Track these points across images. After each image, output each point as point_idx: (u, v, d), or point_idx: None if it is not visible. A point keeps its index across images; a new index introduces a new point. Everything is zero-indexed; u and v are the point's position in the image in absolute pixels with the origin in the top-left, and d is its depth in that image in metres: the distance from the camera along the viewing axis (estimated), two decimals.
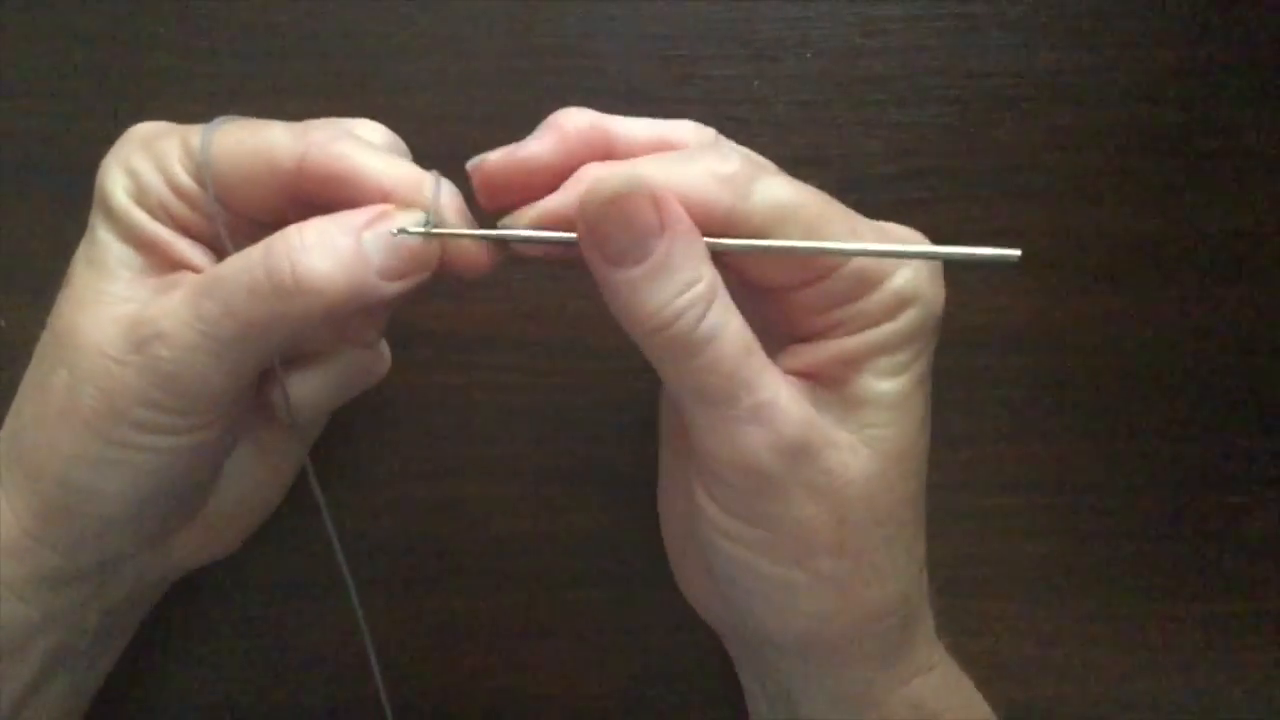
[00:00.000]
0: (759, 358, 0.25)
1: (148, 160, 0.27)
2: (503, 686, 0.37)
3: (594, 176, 0.25)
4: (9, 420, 0.28)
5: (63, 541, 0.28)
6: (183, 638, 0.36)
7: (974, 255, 0.23)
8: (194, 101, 0.36)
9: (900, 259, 0.25)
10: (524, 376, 0.37)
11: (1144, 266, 0.37)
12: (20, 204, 0.36)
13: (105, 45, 0.36)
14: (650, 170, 0.24)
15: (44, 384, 0.27)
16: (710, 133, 0.27)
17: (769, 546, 0.26)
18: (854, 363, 0.26)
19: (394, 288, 0.26)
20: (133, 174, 0.27)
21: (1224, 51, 0.37)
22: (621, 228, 0.24)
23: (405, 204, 0.26)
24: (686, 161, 0.24)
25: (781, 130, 0.36)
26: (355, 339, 0.30)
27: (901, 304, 0.25)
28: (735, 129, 0.34)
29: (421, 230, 0.25)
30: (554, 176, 0.26)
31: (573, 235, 0.24)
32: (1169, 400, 0.38)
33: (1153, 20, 0.37)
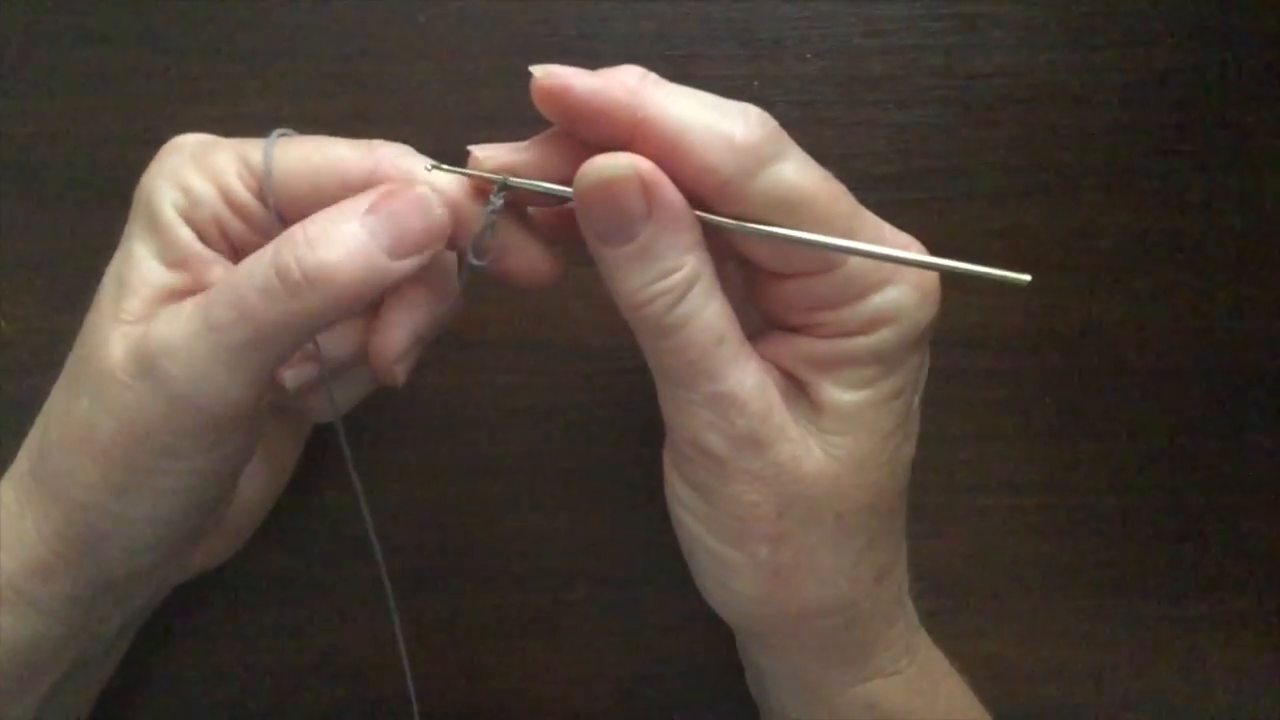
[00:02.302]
0: (729, 348, 0.25)
1: (201, 174, 0.26)
2: (502, 686, 0.37)
3: (591, 159, 0.24)
4: (35, 438, 0.28)
5: (90, 561, 0.28)
6: (184, 638, 0.36)
7: (980, 273, 0.23)
8: (195, 102, 0.36)
9: (898, 264, 0.25)
10: (524, 376, 0.37)
11: (1144, 266, 0.37)
12: (20, 204, 0.36)
13: (106, 45, 0.36)
14: (670, 107, 0.24)
15: (68, 409, 0.26)
16: (770, 121, 0.25)
17: (716, 524, 0.27)
18: (820, 367, 0.26)
19: (406, 265, 0.25)
20: (184, 188, 0.26)
21: (1224, 51, 0.37)
22: (609, 210, 0.24)
23: (467, 219, 0.26)
24: (711, 112, 0.24)
25: None
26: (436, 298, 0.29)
27: (878, 322, 0.25)
28: None
29: (499, 185, 0.26)
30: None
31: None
32: (1169, 400, 0.38)
33: (1153, 20, 0.37)
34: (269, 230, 0.26)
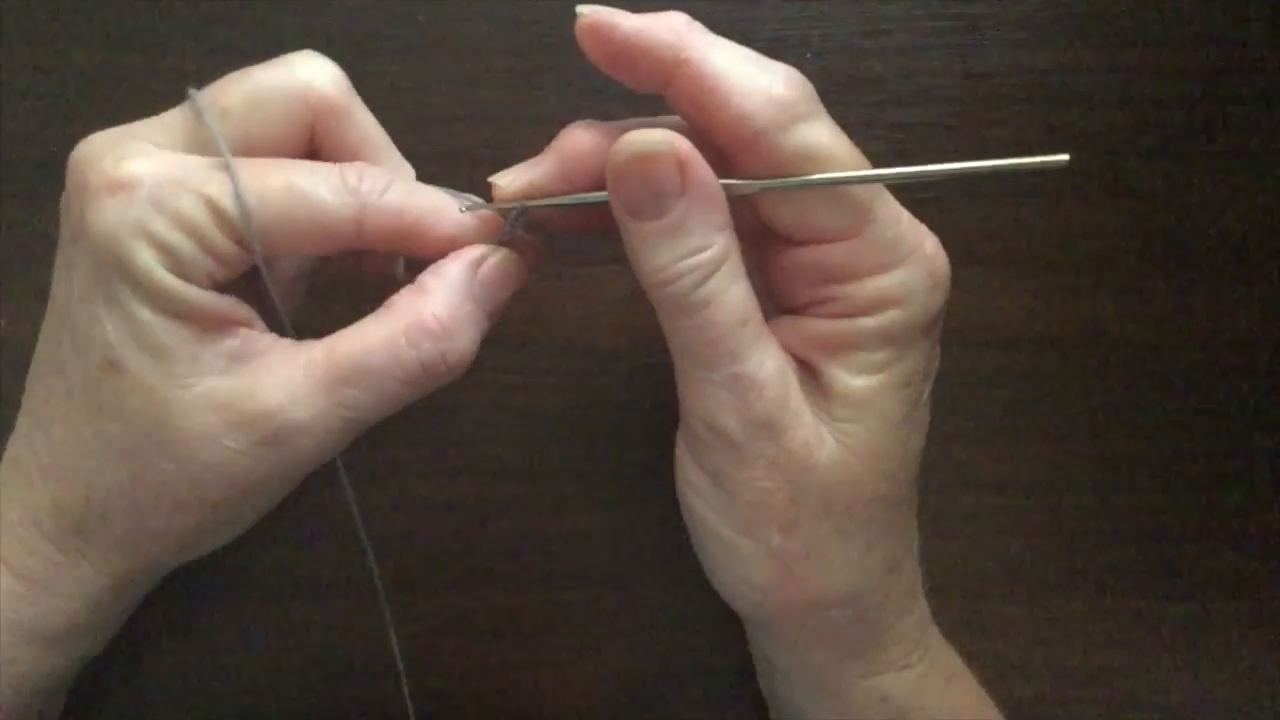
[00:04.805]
0: (752, 328, 0.25)
1: (175, 228, 0.24)
2: (502, 686, 0.37)
3: (628, 133, 0.25)
4: (77, 504, 0.27)
5: (150, 582, 0.31)
6: (183, 638, 0.36)
7: (1019, 164, 0.23)
8: None
9: (931, 178, 0.25)
10: (524, 376, 0.37)
11: (1144, 266, 0.38)
12: (21, 204, 0.36)
13: (105, 45, 0.36)
14: (713, 53, 0.24)
15: (142, 478, 0.26)
16: (807, 84, 0.26)
17: (728, 510, 0.27)
18: (828, 351, 0.26)
19: (494, 321, 0.28)
20: (162, 246, 0.24)
21: (1224, 51, 0.37)
22: (642, 185, 0.24)
23: (474, 239, 0.27)
24: (752, 65, 0.25)
25: None
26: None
27: (884, 303, 0.25)
28: None
29: (516, 214, 0.27)
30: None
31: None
32: (1168, 400, 0.38)
33: (1153, 20, 0.37)
34: (247, 265, 0.26)
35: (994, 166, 0.24)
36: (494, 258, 0.27)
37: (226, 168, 0.25)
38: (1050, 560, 0.38)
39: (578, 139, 0.26)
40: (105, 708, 0.33)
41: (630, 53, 0.25)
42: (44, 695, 0.30)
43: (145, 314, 0.25)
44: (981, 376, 0.37)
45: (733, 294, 0.25)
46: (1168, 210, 0.37)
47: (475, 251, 0.27)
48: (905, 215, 0.26)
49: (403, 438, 0.37)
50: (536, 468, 0.37)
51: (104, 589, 0.28)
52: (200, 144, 0.26)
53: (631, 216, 0.25)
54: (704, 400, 0.26)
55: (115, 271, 0.24)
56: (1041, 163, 0.23)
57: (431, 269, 0.27)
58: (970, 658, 0.32)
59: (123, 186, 0.24)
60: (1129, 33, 0.37)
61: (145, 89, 0.36)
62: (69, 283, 0.26)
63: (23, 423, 0.28)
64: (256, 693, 0.36)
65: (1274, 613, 0.38)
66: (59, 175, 0.36)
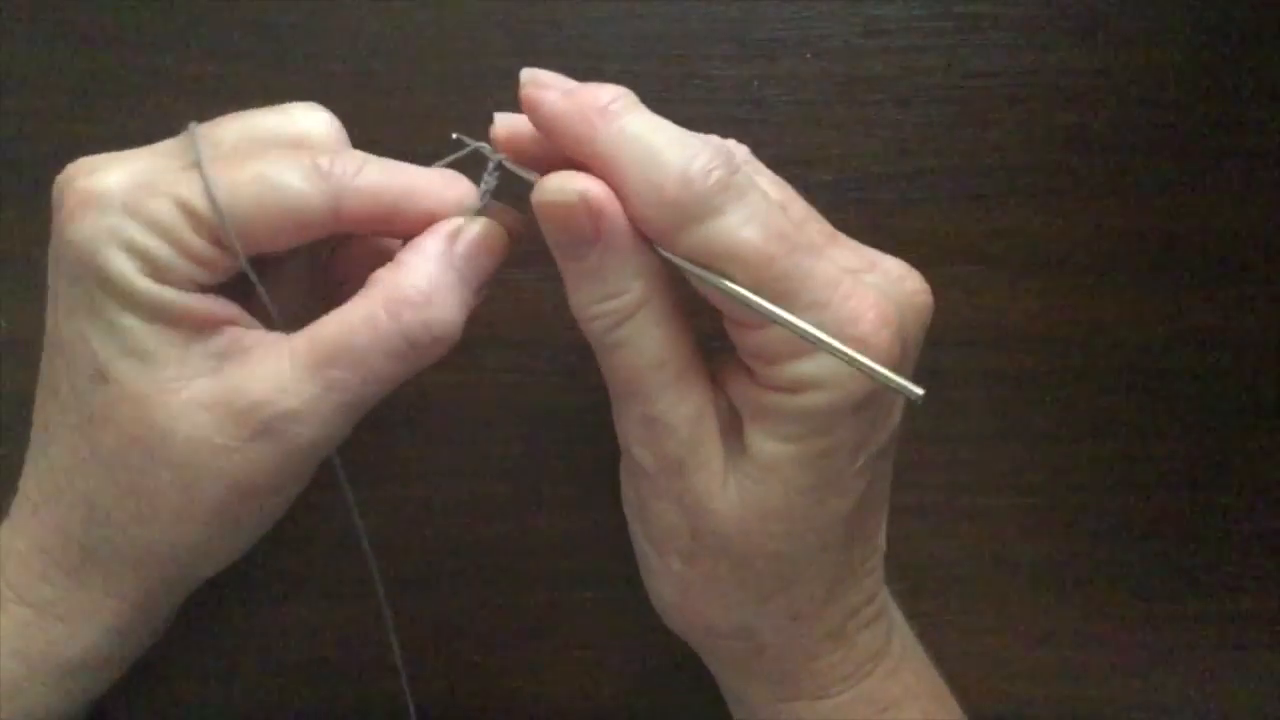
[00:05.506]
0: (669, 372, 0.26)
1: (150, 233, 0.24)
2: (502, 687, 0.37)
3: (549, 176, 0.25)
4: (76, 525, 0.27)
5: (169, 605, 0.30)
6: (184, 638, 0.36)
7: (885, 378, 0.22)
8: (194, 102, 0.36)
9: (812, 343, 0.23)
10: (523, 376, 0.37)
11: (1144, 266, 0.37)
12: (20, 204, 0.36)
13: (105, 45, 0.36)
14: (619, 147, 0.24)
15: (138, 488, 0.26)
16: (721, 169, 0.24)
17: (646, 527, 0.29)
18: (752, 411, 0.26)
19: (482, 296, 0.27)
20: (138, 251, 0.24)
21: (1224, 51, 0.37)
22: (559, 229, 0.25)
23: (454, 213, 0.27)
24: (656, 161, 0.24)
25: (781, 130, 0.36)
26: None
27: (803, 385, 0.25)
28: (735, 129, 0.34)
29: (495, 164, 0.27)
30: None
31: None
32: (1168, 400, 0.38)
33: (1153, 20, 0.37)
34: (229, 265, 0.25)
35: (862, 366, 0.23)
36: (472, 227, 0.26)
37: (197, 167, 0.25)
38: (1050, 560, 0.38)
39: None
40: (104, 707, 0.33)
41: (552, 133, 0.25)
42: None
43: (128, 321, 0.24)
44: (981, 376, 0.37)
45: (648, 339, 0.25)
46: (1167, 210, 0.37)
47: (452, 224, 0.26)
48: (840, 291, 0.24)
49: (402, 438, 0.37)
50: (536, 468, 0.37)
51: (118, 615, 0.28)
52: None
53: (556, 252, 0.25)
54: (624, 429, 0.27)
55: (95, 282, 0.24)
56: (901, 387, 0.22)
57: (408, 244, 0.27)
58: (970, 658, 0.32)
59: (96, 198, 0.24)
60: (1129, 33, 0.37)
61: (145, 89, 0.36)
62: (55, 305, 0.26)
63: (28, 456, 0.28)
64: (256, 693, 0.36)
65: (1274, 613, 0.38)
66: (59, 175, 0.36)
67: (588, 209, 0.24)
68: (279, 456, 0.25)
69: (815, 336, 0.23)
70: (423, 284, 0.25)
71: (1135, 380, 0.38)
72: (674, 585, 0.29)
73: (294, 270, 0.30)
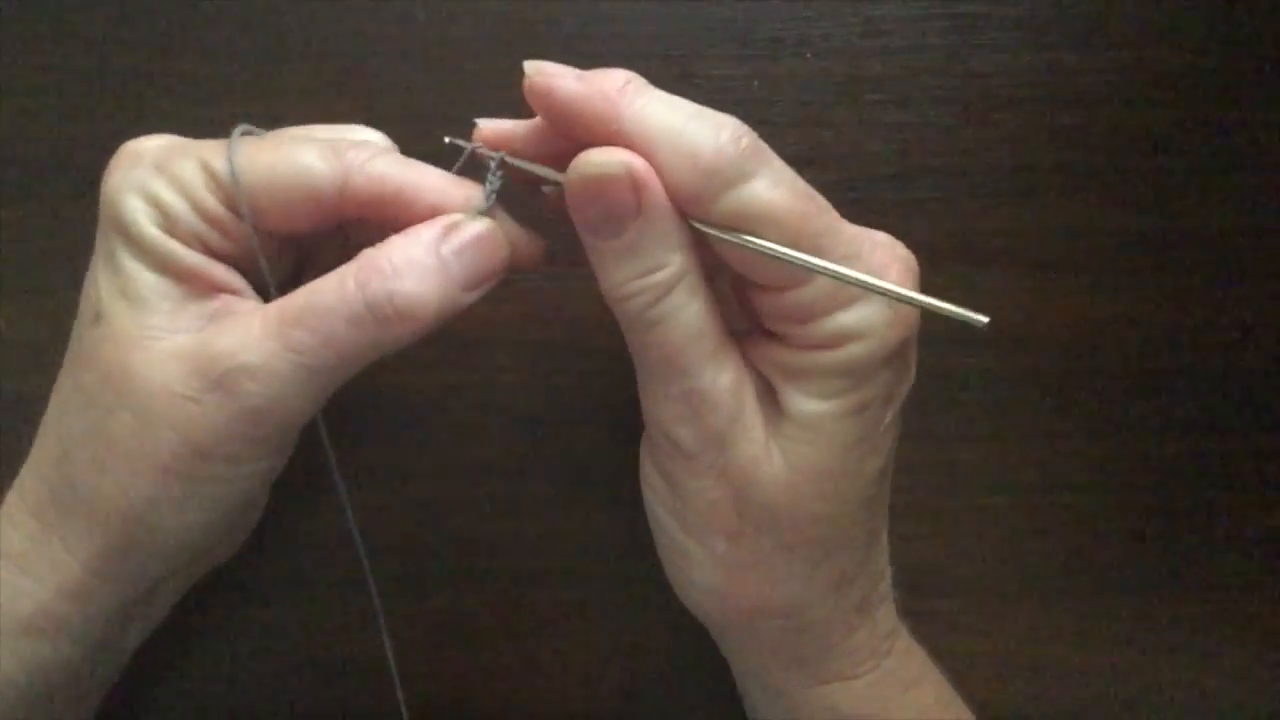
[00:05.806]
0: (708, 343, 0.26)
1: (170, 187, 0.26)
2: (501, 686, 0.37)
3: (586, 151, 0.25)
4: (49, 463, 0.27)
5: (127, 574, 0.28)
6: (184, 638, 0.36)
7: (942, 308, 0.23)
8: (194, 102, 0.36)
9: (865, 288, 0.24)
10: (523, 376, 0.37)
11: (1143, 266, 0.37)
12: (20, 204, 0.36)
13: (105, 46, 0.36)
14: (644, 121, 0.24)
15: (101, 429, 0.26)
16: (744, 138, 0.25)
17: (680, 514, 0.28)
18: (788, 375, 0.26)
19: (472, 297, 0.27)
20: (156, 202, 0.26)
21: (1223, 51, 0.37)
22: (598, 205, 0.24)
23: (458, 210, 0.27)
24: (683, 131, 0.24)
25: (781, 130, 0.36)
26: None
27: (845, 338, 0.25)
28: None
29: (497, 161, 0.27)
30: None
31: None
32: (1167, 400, 0.38)
33: (1153, 20, 0.37)
34: (250, 242, 0.26)
35: (922, 303, 0.23)
36: (469, 224, 0.26)
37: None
38: (1050, 560, 0.38)
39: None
40: (104, 707, 0.33)
41: (569, 119, 0.25)
42: (27, 702, 0.28)
43: (131, 265, 0.26)
44: (981, 376, 0.37)
45: (688, 312, 0.25)
46: (1165, 210, 0.37)
47: (450, 217, 0.26)
48: (867, 244, 0.26)
49: (398, 437, 0.37)
50: (534, 468, 0.37)
51: (71, 574, 0.27)
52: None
53: (589, 233, 0.25)
54: (660, 411, 0.27)
55: (113, 228, 0.26)
56: (963, 316, 0.23)
57: (402, 231, 0.27)
58: (970, 657, 0.32)
59: (134, 155, 0.27)
60: (1128, 33, 0.37)
61: (145, 89, 0.36)
62: (93, 257, 0.27)
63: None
64: (252, 693, 0.36)
65: (1274, 613, 0.38)
66: (59, 175, 0.36)
67: (630, 180, 0.24)
68: (231, 412, 0.25)
69: (867, 283, 0.24)
70: (396, 258, 0.25)
71: (1135, 380, 0.38)
72: (717, 569, 0.28)
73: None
